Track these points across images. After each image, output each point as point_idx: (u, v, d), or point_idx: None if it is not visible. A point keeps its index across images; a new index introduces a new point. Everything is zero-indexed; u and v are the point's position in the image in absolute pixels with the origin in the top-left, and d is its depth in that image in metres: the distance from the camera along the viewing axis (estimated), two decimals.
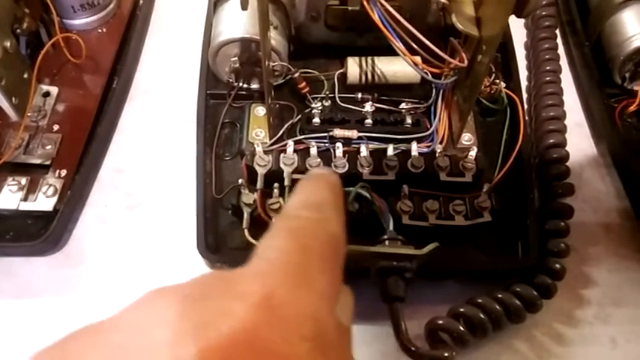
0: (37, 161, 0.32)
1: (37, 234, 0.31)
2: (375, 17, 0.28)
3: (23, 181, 0.31)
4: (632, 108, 0.36)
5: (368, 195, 0.29)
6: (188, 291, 0.16)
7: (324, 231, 0.19)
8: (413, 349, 0.26)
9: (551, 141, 0.34)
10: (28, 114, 0.34)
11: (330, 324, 0.16)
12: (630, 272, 0.32)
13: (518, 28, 0.41)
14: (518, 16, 0.24)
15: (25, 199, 0.31)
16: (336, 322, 0.17)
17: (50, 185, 0.31)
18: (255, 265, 0.17)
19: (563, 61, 0.39)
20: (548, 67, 0.38)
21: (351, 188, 0.29)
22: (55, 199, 0.31)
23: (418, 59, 0.30)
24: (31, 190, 0.31)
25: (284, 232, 0.18)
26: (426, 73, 0.31)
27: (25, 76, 0.34)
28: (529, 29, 0.41)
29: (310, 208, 0.20)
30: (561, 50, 0.40)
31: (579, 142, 0.37)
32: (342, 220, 0.20)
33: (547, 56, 0.38)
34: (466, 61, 0.29)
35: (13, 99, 0.33)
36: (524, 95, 0.38)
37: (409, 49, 0.29)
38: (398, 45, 0.28)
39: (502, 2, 0.25)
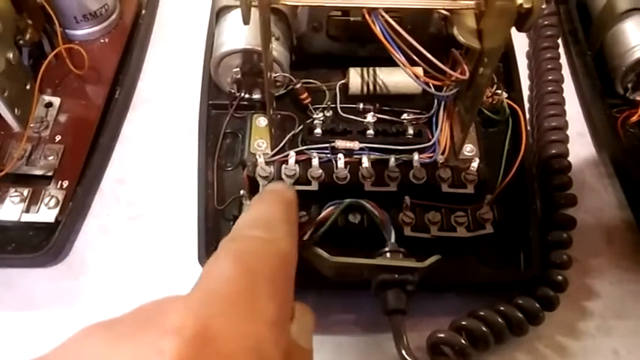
0: (40, 172, 0.32)
1: (39, 245, 0.31)
2: (376, 29, 0.28)
3: (25, 192, 0.32)
4: (635, 118, 0.36)
5: (367, 205, 0.29)
6: (120, 327, 0.15)
7: (273, 252, 0.18)
8: None
9: (554, 151, 0.34)
10: (31, 125, 0.34)
11: (277, 354, 0.15)
12: (632, 284, 0.32)
13: (520, 38, 0.41)
14: (520, 30, 0.24)
15: (27, 210, 0.31)
16: (287, 347, 0.16)
17: (52, 196, 0.32)
18: (195, 294, 0.16)
19: (566, 71, 0.39)
20: (550, 77, 0.38)
21: (345, 200, 0.29)
22: (57, 210, 0.31)
23: (419, 71, 0.30)
24: (33, 201, 0.32)
25: (229, 254, 0.18)
26: (427, 84, 0.30)
27: (28, 87, 0.34)
28: (531, 38, 0.41)
29: (260, 226, 0.19)
30: (563, 60, 0.40)
31: (581, 152, 0.37)
32: (294, 238, 0.20)
33: (549, 66, 0.38)
34: (468, 74, 0.29)
35: (16, 110, 0.33)
36: (526, 105, 0.38)
37: (410, 61, 0.29)
38: (399, 57, 0.28)
39: (503, 15, 0.25)
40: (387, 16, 0.28)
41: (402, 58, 0.28)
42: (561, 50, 0.40)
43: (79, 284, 0.31)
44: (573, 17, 0.41)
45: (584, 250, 0.33)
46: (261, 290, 0.16)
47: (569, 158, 0.34)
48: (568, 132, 0.36)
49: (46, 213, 0.31)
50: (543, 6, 0.24)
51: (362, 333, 0.30)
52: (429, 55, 0.28)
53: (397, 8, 0.28)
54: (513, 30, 0.26)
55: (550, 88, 0.37)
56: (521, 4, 0.23)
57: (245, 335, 0.15)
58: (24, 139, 0.33)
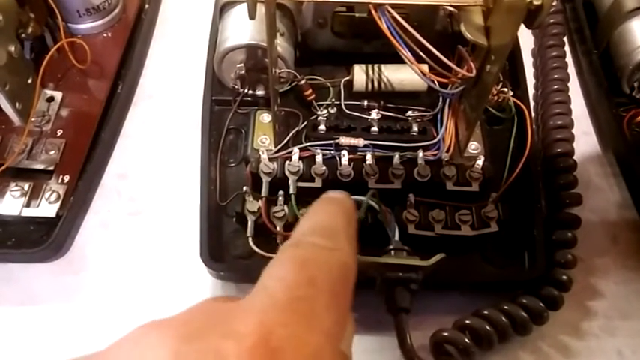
0: (41, 167, 0.32)
1: (40, 240, 0.30)
2: (383, 25, 0.27)
3: (26, 186, 0.31)
4: None
5: (377, 206, 0.29)
6: (182, 327, 0.15)
7: (335, 262, 0.18)
8: None
9: (559, 150, 0.34)
10: (32, 119, 0.33)
11: None
12: (637, 284, 0.32)
13: (525, 35, 0.41)
14: (529, 27, 0.24)
15: (28, 205, 0.31)
16: (338, 357, 0.16)
17: (53, 191, 0.31)
18: (256, 299, 0.16)
19: (571, 69, 0.39)
20: (555, 75, 0.37)
21: (362, 198, 0.29)
22: (57, 205, 0.31)
23: (425, 67, 0.29)
24: (34, 196, 0.31)
25: (292, 261, 0.17)
26: (433, 81, 0.30)
27: (30, 80, 0.34)
28: (537, 36, 0.41)
29: (322, 234, 0.19)
30: (569, 58, 0.39)
31: (587, 151, 0.37)
32: (354, 250, 0.20)
33: (555, 64, 0.38)
34: (474, 71, 0.29)
35: (17, 104, 0.33)
36: (532, 103, 0.37)
37: (416, 57, 0.29)
38: (405, 53, 0.28)
39: (512, 12, 0.25)
40: (394, 12, 0.28)
41: (409, 55, 0.28)
42: (567, 49, 0.40)
43: (80, 279, 0.31)
44: (579, 15, 0.41)
45: (588, 250, 0.32)
46: (322, 300, 0.16)
47: (575, 157, 0.34)
48: (573, 131, 0.35)
49: (47, 208, 0.31)
50: (553, 2, 0.24)
51: (366, 331, 0.30)
52: (435, 52, 0.28)
53: (404, 4, 0.28)
54: (529, 29, 0.26)
55: (556, 87, 0.37)
56: (531, 1, 0.23)
57: (305, 345, 0.15)
58: (25, 134, 0.33)
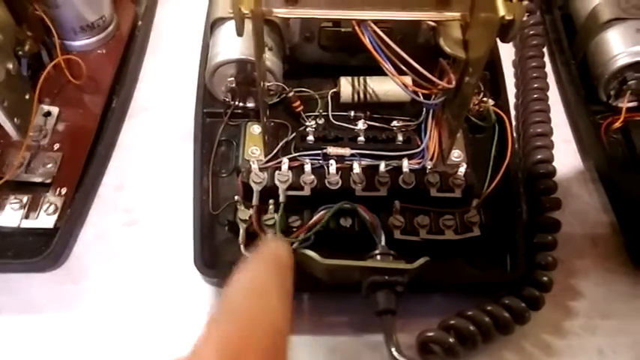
0: (39, 180, 0.33)
1: (38, 251, 0.31)
2: (366, 40, 0.29)
3: (25, 199, 0.32)
4: (617, 125, 0.37)
5: (358, 209, 0.30)
6: None
7: (261, 331, 0.17)
8: None
9: (539, 157, 0.35)
10: (30, 133, 0.34)
11: None
12: (616, 285, 0.33)
13: (506, 47, 0.42)
14: (503, 41, 0.25)
15: (27, 216, 0.32)
16: None
17: (51, 203, 0.32)
18: None
19: (551, 79, 0.40)
20: (535, 85, 0.39)
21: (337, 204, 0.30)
22: (55, 216, 0.32)
23: (408, 79, 0.31)
24: (32, 208, 0.32)
25: (213, 341, 0.17)
26: (415, 93, 0.31)
27: (27, 96, 0.35)
28: (517, 47, 0.43)
29: (252, 295, 0.18)
30: (549, 68, 0.41)
31: (567, 157, 0.38)
32: (287, 308, 0.19)
33: (535, 74, 0.39)
34: (454, 82, 0.30)
35: (15, 119, 0.34)
36: (513, 112, 0.39)
37: (399, 70, 0.30)
38: (387, 66, 0.29)
39: (487, 26, 0.26)
40: (375, 27, 0.29)
41: (391, 68, 0.29)
42: (547, 59, 0.41)
43: (78, 289, 0.32)
44: (558, 27, 0.42)
45: (569, 252, 0.34)
46: None
47: (555, 164, 0.35)
48: (553, 138, 0.36)
49: (45, 219, 0.32)
50: (524, 18, 0.25)
51: (354, 334, 0.31)
52: (416, 65, 0.29)
53: (385, 20, 0.29)
54: (503, 43, 0.27)
55: (535, 96, 0.38)
56: (503, 16, 0.24)
57: None
58: (23, 148, 0.34)
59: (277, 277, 0.20)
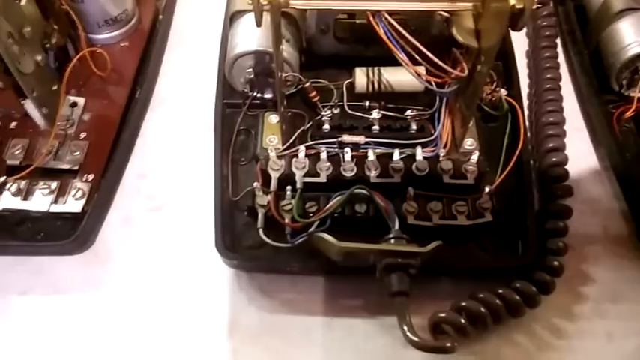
0: (66, 167, 0.35)
1: (67, 234, 0.33)
2: (380, 31, 0.30)
3: (53, 185, 0.34)
4: (629, 114, 0.38)
5: (373, 195, 0.31)
6: None
7: None
8: (417, 339, 0.27)
9: (551, 145, 0.36)
10: (58, 123, 0.36)
11: None
12: (627, 270, 0.34)
13: (520, 38, 0.43)
14: (513, 29, 0.26)
15: (56, 201, 0.33)
16: None
17: (78, 189, 0.34)
18: None
19: (564, 69, 0.41)
20: (548, 75, 0.39)
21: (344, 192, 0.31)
22: (83, 201, 0.33)
23: (421, 69, 0.32)
24: (60, 193, 0.34)
25: None
26: (429, 82, 0.32)
27: (54, 87, 0.36)
28: (530, 38, 0.43)
29: None
30: (562, 59, 0.41)
31: (579, 146, 0.38)
32: None
33: (548, 64, 0.40)
34: (466, 71, 0.31)
35: (44, 109, 0.35)
36: (526, 102, 0.39)
37: (413, 60, 0.31)
38: (402, 57, 0.30)
39: (498, 16, 0.27)
40: (390, 19, 0.30)
41: (405, 58, 0.30)
42: (560, 49, 0.42)
43: (105, 270, 0.33)
44: (571, 18, 0.43)
45: (580, 238, 0.34)
46: None
47: (567, 152, 0.36)
48: (566, 127, 0.37)
49: (73, 204, 0.33)
50: (534, 7, 0.26)
51: (369, 315, 0.32)
52: (430, 55, 0.30)
53: (399, 11, 0.30)
54: (514, 31, 0.28)
55: (548, 86, 0.39)
56: (513, 5, 0.25)
57: None
58: (52, 137, 0.35)
59: None
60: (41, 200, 0.33)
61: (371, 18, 0.30)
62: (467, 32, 0.30)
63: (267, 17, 0.27)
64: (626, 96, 0.38)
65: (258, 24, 0.27)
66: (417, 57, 0.30)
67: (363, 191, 0.31)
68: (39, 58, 0.34)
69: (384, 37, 0.30)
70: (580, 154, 0.38)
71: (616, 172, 0.37)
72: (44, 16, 0.36)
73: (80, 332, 0.31)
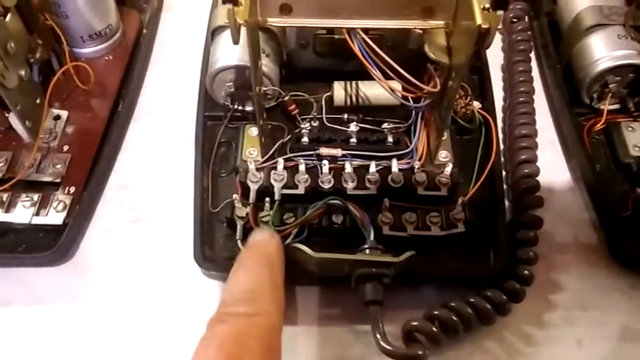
0: (48, 179, 0.35)
1: (48, 246, 0.33)
2: (355, 48, 0.31)
3: (35, 197, 0.34)
4: (599, 126, 0.39)
5: (349, 206, 0.31)
6: None
7: (257, 331, 0.19)
8: (389, 347, 0.28)
9: (523, 157, 0.37)
10: (40, 136, 0.36)
11: None
12: (596, 278, 0.35)
13: (495, 52, 0.44)
14: (481, 48, 0.27)
15: (37, 213, 0.34)
16: None
17: (60, 201, 0.34)
18: None
19: (537, 83, 0.42)
20: (522, 88, 0.40)
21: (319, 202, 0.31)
22: (64, 213, 0.34)
23: (396, 84, 0.32)
24: (42, 205, 0.34)
25: (213, 341, 0.18)
26: (404, 98, 0.33)
27: (38, 101, 0.37)
28: (506, 52, 0.44)
29: (244, 301, 0.20)
30: (535, 72, 0.42)
31: (552, 158, 0.40)
32: (279, 305, 0.20)
33: (521, 78, 0.41)
34: (439, 86, 0.32)
35: (27, 122, 0.36)
36: (500, 114, 0.41)
37: (388, 75, 0.32)
38: (376, 73, 0.31)
39: (468, 34, 0.28)
40: (364, 35, 0.31)
41: (379, 74, 0.31)
42: (534, 63, 0.43)
43: (85, 282, 0.34)
44: (545, 32, 0.44)
45: (551, 248, 0.35)
46: None
47: (540, 164, 0.36)
48: (539, 140, 0.38)
49: (54, 216, 0.34)
50: (499, 26, 0.27)
51: (345, 324, 0.32)
52: (402, 71, 0.31)
53: (374, 28, 0.31)
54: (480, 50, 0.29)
55: (522, 99, 0.40)
56: (480, 25, 0.26)
57: None
58: (34, 149, 0.35)
59: (269, 274, 0.21)
60: (23, 212, 0.34)
61: (346, 35, 0.31)
62: (439, 49, 0.31)
63: (245, 33, 0.28)
64: (597, 109, 0.40)
65: (235, 41, 0.28)
66: (391, 73, 0.31)
67: (337, 201, 0.31)
68: (23, 72, 0.35)
69: (359, 54, 0.31)
70: (552, 165, 0.39)
71: (586, 183, 0.38)
72: (28, 31, 0.36)
73: (61, 343, 0.32)
